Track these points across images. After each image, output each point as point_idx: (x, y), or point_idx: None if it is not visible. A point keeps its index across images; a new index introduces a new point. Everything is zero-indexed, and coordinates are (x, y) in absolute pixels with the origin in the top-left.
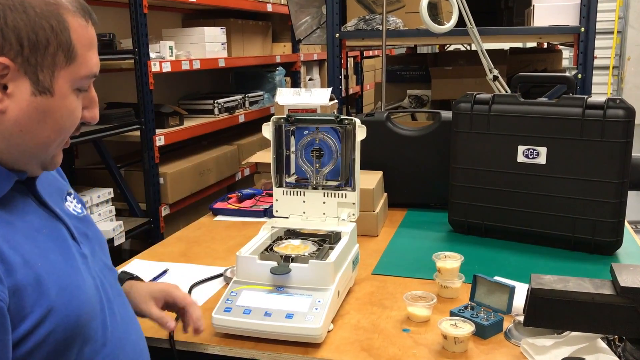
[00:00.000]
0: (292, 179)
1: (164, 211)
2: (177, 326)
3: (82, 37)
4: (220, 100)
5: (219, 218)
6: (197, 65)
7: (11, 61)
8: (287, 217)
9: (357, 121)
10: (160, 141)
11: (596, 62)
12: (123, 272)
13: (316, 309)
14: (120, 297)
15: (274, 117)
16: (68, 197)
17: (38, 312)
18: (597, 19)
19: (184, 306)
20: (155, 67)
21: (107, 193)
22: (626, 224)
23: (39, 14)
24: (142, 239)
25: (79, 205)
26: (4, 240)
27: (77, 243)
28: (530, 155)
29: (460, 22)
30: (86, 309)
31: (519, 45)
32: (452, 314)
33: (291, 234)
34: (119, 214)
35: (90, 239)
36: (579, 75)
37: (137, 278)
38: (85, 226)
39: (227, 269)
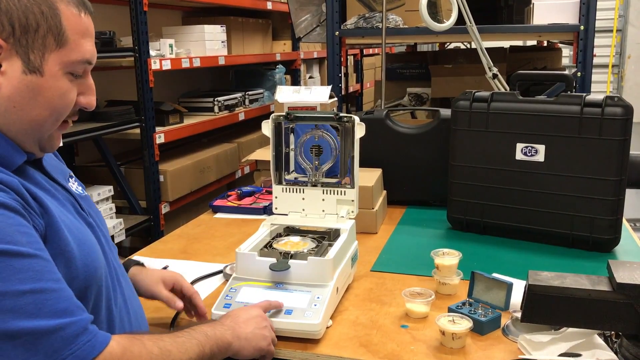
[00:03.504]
0: (291, 177)
1: (164, 209)
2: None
3: (74, 24)
4: (220, 98)
5: (219, 215)
6: (197, 63)
7: (4, 41)
8: (286, 214)
9: (357, 119)
10: (160, 139)
11: (596, 61)
12: (129, 259)
13: (315, 305)
14: (122, 269)
15: (273, 114)
16: (70, 179)
17: (61, 258)
18: (597, 17)
19: (190, 294)
20: (155, 65)
21: (107, 190)
22: (624, 221)
23: (31, 0)
24: (142, 236)
25: (80, 188)
26: (37, 189)
27: (85, 213)
28: (529, 152)
29: (460, 20)
30: (99, 264)
31: (519, 43)
32: (450, 310)
33: (290, 230)
34: (119, 211)
35: (92, 216)
36: (579, 74)
37: (142, 265)
38: (87, 205)
39: (226, 266)
